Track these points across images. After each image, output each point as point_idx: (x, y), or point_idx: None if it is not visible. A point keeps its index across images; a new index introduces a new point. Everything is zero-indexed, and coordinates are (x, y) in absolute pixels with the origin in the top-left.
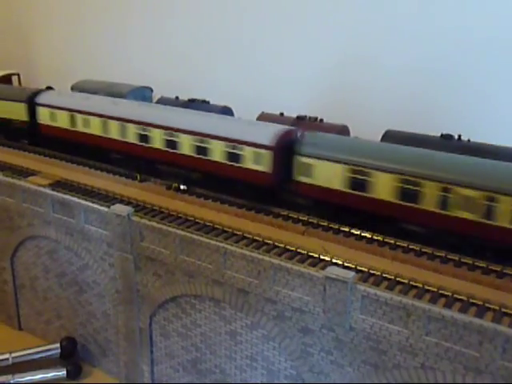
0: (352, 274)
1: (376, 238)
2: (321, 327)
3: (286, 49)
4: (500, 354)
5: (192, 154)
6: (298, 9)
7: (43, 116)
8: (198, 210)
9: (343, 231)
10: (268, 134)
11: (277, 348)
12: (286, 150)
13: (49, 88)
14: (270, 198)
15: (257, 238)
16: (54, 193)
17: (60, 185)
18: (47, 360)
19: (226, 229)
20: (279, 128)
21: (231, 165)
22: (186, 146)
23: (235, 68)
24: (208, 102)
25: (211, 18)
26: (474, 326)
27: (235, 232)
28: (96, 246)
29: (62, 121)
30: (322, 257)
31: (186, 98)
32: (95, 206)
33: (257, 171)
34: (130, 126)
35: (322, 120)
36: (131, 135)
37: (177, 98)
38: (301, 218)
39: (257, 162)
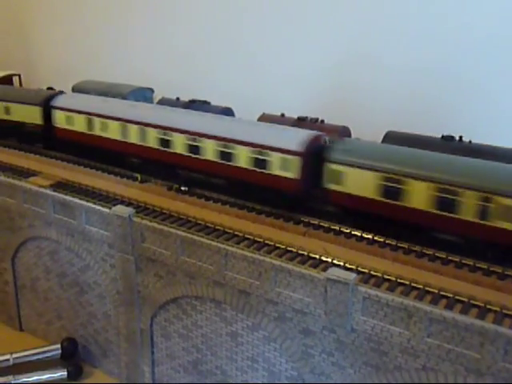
0: (353, 275)
1: (377, 239)
2: (322, 329)
3: (286, 49)
4: (501, 356)
5: (215, 160)
6: (299, 9)
7: (59, 119)
8: (199, 211)
9: (344, 232)
10: (296, 139)
11: (278, 349)
12: (314, 157)
13: (50, 89)
14: (297, 206)
15: (258, 239)
16: (55, 194)
17: (61, 185)
18: (48, 361)
19: (227, 230)
20: (308, 133)
21: (257, 171)
22: (210, 151)
23: (236, 69)
24: (209, 103)
25: (212, 18)
26: (475, 328)
27: (236, 233)
28: (97, 246)
29: (78, 124)
30: (323, 258)
31: (186, 99)
32: (96, 206)
33: (284, 178)
34: (151, 130)
35: (322, 121)
36: (151, 140)
37: (178, 98)
38: (302, 219)
39: (284, 169)
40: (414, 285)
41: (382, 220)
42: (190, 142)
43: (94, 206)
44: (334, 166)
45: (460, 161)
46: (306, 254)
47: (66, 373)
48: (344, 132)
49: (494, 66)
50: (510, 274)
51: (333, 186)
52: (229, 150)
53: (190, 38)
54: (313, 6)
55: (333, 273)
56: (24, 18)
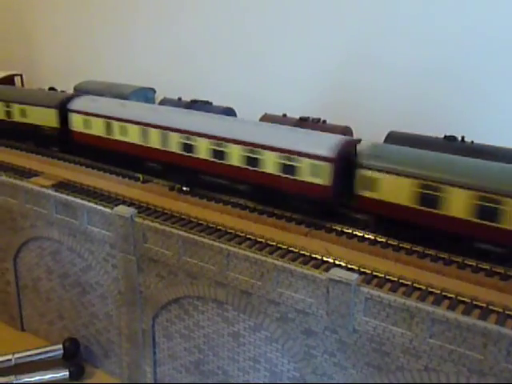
0: (355, 275)
1: (379, 239)
2: (324, 329)
3: (288, 50)
4: (504, 357)
5: (241, 165)
6: (301, 10)
7: (76, 123)
8: (200, 211)
9: (346, 233)
10: (327, 144)
11: (280, 350)
12: (346, 162)
13: (51, 89)
14: (328, 213)
15: (260, 240)
16: (57, 194)
17: (63, 186)
18: (50, 361)
19: (228, 230)
20: (339, 138)
21: (285, 177)
22: (235, 156)
23: (238, 69)
24: (211, 103)
25: (214, 18)
26: (477, 329)
27: (238, 233)
28: (99, 247)
29: (96, 128)
30: (325, 258)
31: (188, 99)
32: (98, 207)
33: (314, 184)
34: (173, 134)
35: (324, 121)
36: (173, 144)
37: (179, 99)
38: (304, 219)
39: (314, 175)
40: (417, 285)
41: (418, 228)
42: (215, 147)
43: (95, 206)
44: (367, 173)
45: (501, 168)
46: (308, 254)
47: (67, 373)
48: (346, 132)
49: (496, 66)
50: None
51: (365, 193)
52: (255, 156)
53: (191, 39)
54: (315, 7)
55: (335, 273)
56: (26, 18)
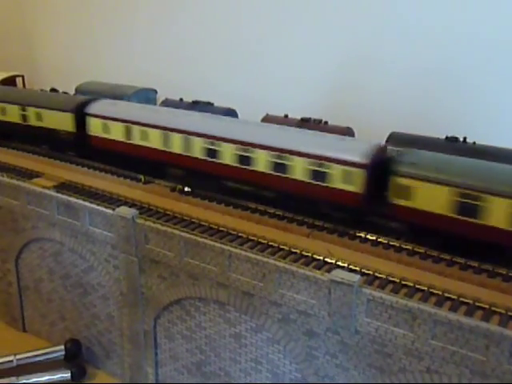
0: (357, 277)
1: (381, 240)
2: (326, 330)
3: (290, 50)
4: (507, 358)
5: (268, 172)
6: (302, 11)
7: (94, 127)
8: (202, 212)
9: (348, 234)
10: (360, 150)
11: (282, 351)
12: (379, 169)
13: (53, 90)
14: (359, 222)
15: (261, 241)
16: (59, 195)
17: (64, 187)
18: (51, 362)
19: (230, 231)
20: (371, 144)
21: (315, 184)
22: (262, 162)
23: (239, 70)
24: (212, 104)
25: (215, 19)
26: (480, 330)
27: (240, 234)
28: (100, 248)
29: (115, 133)
30: (327, 260)
31: (190, 100)
32: (100, 208)
33: (345, 191)
34: (196, 139)
35: (326, 122)
36: (197, 149)
37: (181, 99)
38: (305, 220)
39: (346, 182)
40: (419, 287)
41: (455, 238)
42: (240, 153)
43: (97, 207)
44: (402, 180)
45: None
46: (309, 255)
47: (69, 374)
48: (348, 133)
49: (497, 67)
50: None
51: (400, 201)
52: (283, 162)
53: (193, 39)
54: (316, 8)
55: (337, 274)
56: (27, 19)
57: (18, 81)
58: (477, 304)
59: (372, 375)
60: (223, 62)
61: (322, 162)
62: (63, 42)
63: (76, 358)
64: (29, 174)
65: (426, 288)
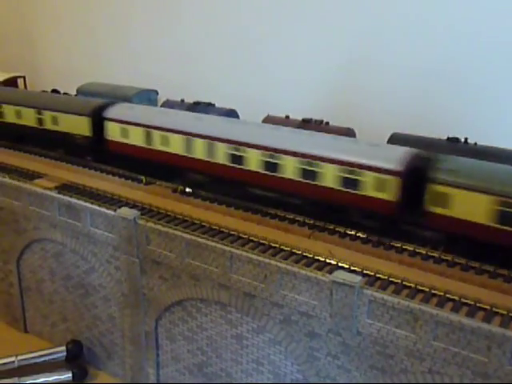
0: (359, 278)
1: (382, 241)
2: (327, 331)
3: (290, 51)
4: (508, 359)
5: (296, 179)
6: (303, 12)
7: (112, 132)
8: (203, 213)
9: (349, 235)
10: (394, 157)
11: (283, 352)
12: (414, 176)
13: (54, 91)
14: (392, 230)
15: (263, 242)
16: (60, 196)
17: (66, 188)
18: (53, 363)
19: (231, 232)
20: (406, 150)
21: (346, 191)
22: (290, 168)
23: (240, 70)
24: (213, 105)
25: (216, 20)
26: (481, 331)
27: (241, 235)
28: (102, 249)
29: (135, 137)
30: (328, 260)
31: (191, 101)
32: (101, 209)
33: (378, 199)
34: (220, 145)
35: (327, 123)
36: (220, 155)
37: (182, 100)
38: (306, 221)
39: (379, 189)
40: (420, 287)
41: (494, 248)
42: (267, 159)
43: (98, 208)
44: (440, 188)
45: None
46: (311, 256)
47: (70, 375)
48: (349, 134)
49: (498, 68)
50: None
51: (436, 210)
52: (312, 168)
53: (193, 40)
54: (317, 9)
55: (338, 275)
56: (29, 20)
57: (19, 82)
58: (478, 305)
59: (374, 376)
60: (224, 62)
61: (354, 169)
62: (64, 43)
63: (77, 358)
64: (30, 175)
65: (427, 289)
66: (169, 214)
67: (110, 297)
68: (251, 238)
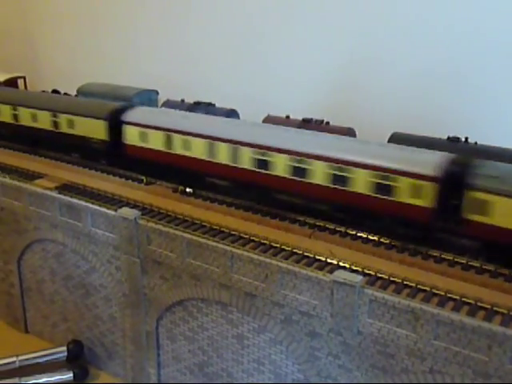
0: (359, 277)
1: (383, 241)
2: (328, 331)
3: (291, 51)
4: (509, 359)
5: (326, 184)
6: (304, 11)
7: (131, 135)
8: (204, 213)
9: (350, 234)
10: (430, 162)
11: (284, 352)
12: (451, 182)
13: (55, 91)
14: (426, 238)
15: (263, 241)
16: (61, 196)
17: (67, 188)
18: (54, 363)
19: (232, 232)
20: (442, 155)
21: (379, 197)
22: (319, 174)
23: (240, 70)
24: (214, 105)
25: (216, 20)
26: (482, 330)
27: (242, 235)
28: (103, 249)
29: (154, 141)
30: (329, 260)
31: (191, 101)
32: (102, 209)
33: (414, 206)
34: (245, 149)
35: (328, 123)
36: (245, 160)
37: (182, 100)
38: (307, 221)
39: (414, 196)
40: (421, 287)
41: None
42: (295, 164)
43: (99, 208)
44: (480, 194)
45: None
46: (311, 256)
47: (71, 375)
48: (349, 133)
49: (498, 67)
50: None
51: (476, 217)
52: (343, 174)
53: (194, 41)
54: (318, 9)
55: (339, 275)
56: (29, 20)
57: (20, 82)
58: (479, 304)
59: (374, 376)
60: (224, 62)
61: (388, 174)
62: (65, 43)
63: (78, 358)
64: (31, 176)
65: (428, 288)
66: (169, 214)
67: (110, 297)
68: (252, 237)
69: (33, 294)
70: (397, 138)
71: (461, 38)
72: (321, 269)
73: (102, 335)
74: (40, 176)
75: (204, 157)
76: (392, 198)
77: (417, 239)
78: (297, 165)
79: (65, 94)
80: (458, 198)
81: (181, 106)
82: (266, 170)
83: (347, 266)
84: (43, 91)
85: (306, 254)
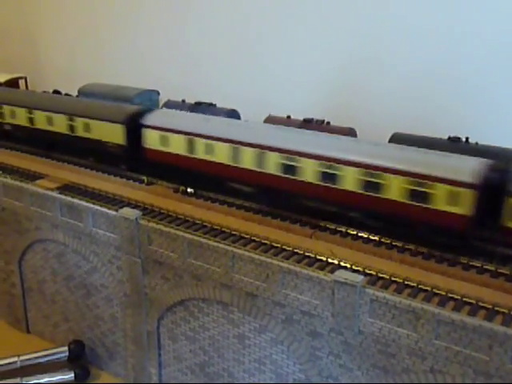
0: (360, 277)
1: (384, 241)
2: (329, 331)
3: (292, 51)
4: (510, 358)
5: (357, 190)
6: (304, 12)
7: (151, 139)
8: (205, 213)
9: (351, 234)
10: (468, 168)
11: (285, 351)
12: (490, 189)
13: (56, 92)
14: (464, 247)
15: (264, 241)
16: (62, 196)
17: (68, 188)
18: (55, 363)
19: (233, 232)
20: (480, 161)
21: (413, 204)
22: (350, 180)
23: (241, 70)
24: (214, 105)
25: (216, 20)
26: (483, 330)
27: (243, 235)
28: (104, 249)
29: (176, 146)
30: (330, 260)
31: (192, 101)
32: (103, 209)
33: (450, 214)
34: (271, 154)
35: (328, 123)
36: (272, 165)
37: (183, 101)
38: (308, 221)
39: (452, 203)
40: (422, 287)
41: None
42: (324, 169)
43: (100, 208)
44: None
45: None
46: (313, 256)
47: (73, 375)
48: (350, 133)
49: (498, 67)
50: None
51: None
52: (376, 180)
53: (195, 41)
54: (318, 9)
55: (340, 275)
56: (30, 20)
57: (21, 82)
58: (480, 304)
59: (376, 375)
60: (225, 62)
61: (424, 181)
62: (66, 44)
63: (79, 359)
64: (32, 176)
65: (429, 288)
66: (170, 214)
67: (111, 297)
68: (253, 237)
69: (34, 294)
70: (397, 139)
71: (461, 38)
72: (322, 269)
73: (103, 335)
74: (41, 176)
75: (228, 162)
76: (428, 206)
77: (453, 248)
78: (326, 170)
79: (66, 94)
80: (497, 205)
81: (182, 106)
82: (294, 175)
83: (348, 265)
84: (44, 91)
85: (307, 253)
